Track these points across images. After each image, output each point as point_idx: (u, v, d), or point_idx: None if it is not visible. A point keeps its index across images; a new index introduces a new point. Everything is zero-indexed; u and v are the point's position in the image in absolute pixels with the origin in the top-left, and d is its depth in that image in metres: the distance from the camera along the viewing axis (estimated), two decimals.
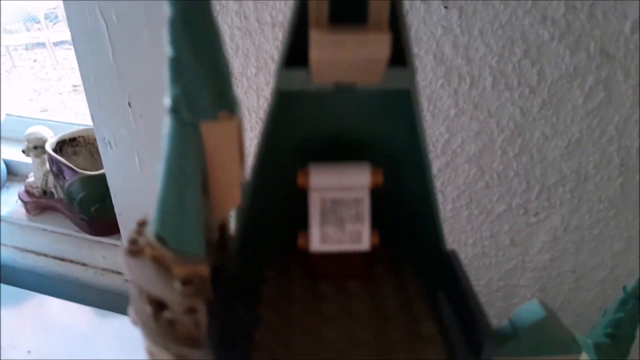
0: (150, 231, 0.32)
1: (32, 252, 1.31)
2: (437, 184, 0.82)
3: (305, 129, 0.36)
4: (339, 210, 0.35)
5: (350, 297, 0.36)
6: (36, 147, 1.11)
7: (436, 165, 0.80)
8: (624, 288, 0.45)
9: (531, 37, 0.69)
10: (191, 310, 0.30)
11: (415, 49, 0.72)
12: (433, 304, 0.36)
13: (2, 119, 1.42)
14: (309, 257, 0.37)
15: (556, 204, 0.80)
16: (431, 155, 0.79)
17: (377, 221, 0.37)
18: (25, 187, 1.21)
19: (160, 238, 0.31)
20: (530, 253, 0.85)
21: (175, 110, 0.26)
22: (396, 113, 0.34)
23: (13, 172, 1.37)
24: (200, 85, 0.26)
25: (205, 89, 0.26)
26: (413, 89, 0.30)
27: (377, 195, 0.36)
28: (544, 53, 0.69)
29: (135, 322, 0.33)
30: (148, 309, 0.32)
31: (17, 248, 1.31)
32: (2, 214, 1.25)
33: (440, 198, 0.83)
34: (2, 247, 1.35)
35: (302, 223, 0.37)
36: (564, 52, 0.69)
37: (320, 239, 0.36)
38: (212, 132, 0.27)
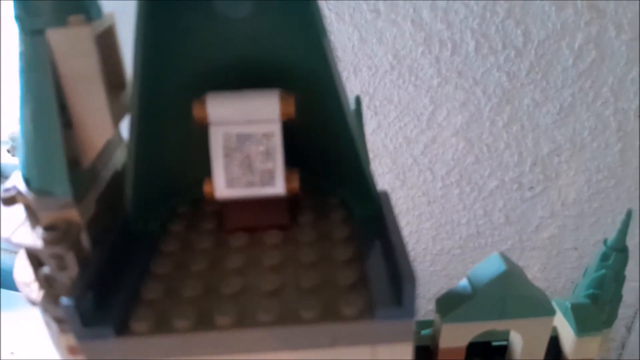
0: (19, 175, 0.28)
1: None
2: (425, 160, 0.77)
3: (199, 56, 0.32)
4: (246, 147, 0.31)
5: (264, 249, 0.32)
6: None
7: (422, 140, 0.76)
8: (605, 241, 0.40)
9: None
10: (58, 260, 0.26)
11: (392, 15, 0.68)
12: (359, 252, 0.31)
13: None
14: (222, 209, 0.33)
15: (552, 176, 0.75)
16: (416, 130, 0.75)
17: (303, 162, 0.33)
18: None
19: (27, 181, 0.27)
20: (527, 231, 0.80)
21: (19, 18, 0.22)
22: (299, 31, 0.30)
23: (6, 175, 1.34)
24: None
25: None
26: None
27: (298, 130, 0.32)
28: (528, 11, 0.65)
29: (18, 284, 0.30)
30: (28, 265, 0.28)
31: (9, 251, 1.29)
32: None
33: (429, 176, 0.78)
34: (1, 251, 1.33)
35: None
36: (550, 8, 0.64)
37: (226, 182, 0.31)
38: (63, 40, 0.23)
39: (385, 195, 0.33)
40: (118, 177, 0.33)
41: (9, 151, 1.12)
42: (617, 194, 0.74)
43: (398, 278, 0.26)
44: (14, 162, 1.22)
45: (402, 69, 0.71)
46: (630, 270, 0.76)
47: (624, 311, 0.83)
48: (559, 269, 0.82)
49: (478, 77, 0.69)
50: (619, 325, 0.85)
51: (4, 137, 1.44)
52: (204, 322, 0.27)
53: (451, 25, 0.67)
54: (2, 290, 1.21)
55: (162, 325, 0.27)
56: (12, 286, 1.29)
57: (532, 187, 0.76)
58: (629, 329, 0.85)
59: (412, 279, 0.26)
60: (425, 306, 0.81)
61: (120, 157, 0.34)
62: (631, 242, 0.71)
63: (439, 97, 0.72)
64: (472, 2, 0.65)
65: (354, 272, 0.30)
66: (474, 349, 0.42)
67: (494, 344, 0.44)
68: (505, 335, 0.42)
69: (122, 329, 0.27)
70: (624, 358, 0.88)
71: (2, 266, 1.36)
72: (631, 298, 0.82)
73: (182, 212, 0.35)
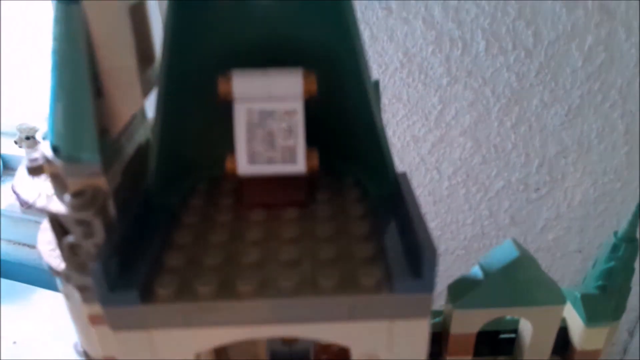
0: (47, 144, 0.28)
1: (28, 245, 1.29)
2: (432, 159, 0.78)
3: (225, 35, 0.32)
4: (269, 124, 0.31)
5: (282, 223, 0.32)
6: (28, 138, 1.09)
7: (430, 139, 0.76)
8: (615, 233, 0.40)
9: None
10: (85, 227, 0.27)
11: (403, 13, 0.69)
12: (375, 228, 0.32)
13: None
14: (242, 186, 0.33)
15: (558, 177, 0.75)
16: (424, 129, 0.76)
17: (320, 142, 0.33)
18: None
19: (55, 149, 0.28)
20: (532, 232, 0.80)
21: None
22: (325, 12, 0.31)
23: (10, 167, 1.35)
24: None
25: None
26: None
27: (317, 110, 0.32)
28: (539, 12, 0.65)
29: (41, 255, 0.30)
30: (52, 233, 0.29)
31: (13, 242, 1.29)
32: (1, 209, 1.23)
33: (435, 175, 0.79)
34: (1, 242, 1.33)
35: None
36: (560, 10, 0.65)
37: (248, 158, 0.32)
38: (97, 10, 0.24)
39: (404, 176, 0.33)
40: (141, 151, 0.33)
41: (16, 142, 1.12)
42: (623, 196, 0.74)
43: (418, 250, 0.27)
44: (17, 154, 1.23)
45: (412, 67, 0.71)
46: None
47: (626, 315, 0.83)
48: (563, 271, 0.82)
49: (487, 77, 0.70)
50: (621, 330, 0.86)
51: (4, 128, 1.44)
52: (226, 290, 0.28)
53: (462, 25, 0.68)
54: (3, 280, 1.21)
55: (185, 292, 0.28)
56: (12, 276, 1.29)
57: (538, 189, 0.76)
58: (631, 333, 0.85)
59: (433, 250, 0.26)
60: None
61: (143, 133, 0.34)
62: None
63: (447, 96, 0.73)
64: (483, 1, 0.66)
65: (371, 246, 0.30)
66: (483, 339, 0.42)
67: (502, 336, 0.44)
68: (514, 324, 0.42)
69: (147, 295, 0.27)
70: None
71: (2, 257, 1.37)
72: (633, 302, 0.82)
73: (202, 188, 0.36)
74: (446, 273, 0.86)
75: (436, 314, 0.44)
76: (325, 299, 0.28)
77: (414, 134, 0.76)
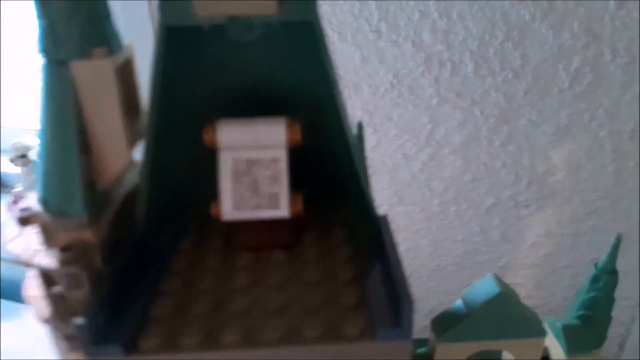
0: (37, 197, 0.29)
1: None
2: (423, 178, 0.78)
3: (210, 82, 0.33)
4: (254, 172, 0.32)
5: (269, 267, 0.33)
6: (23, 156, 1.10)
7: (421, 158, 0.77)
8: (595, 264, 0.41)
9: (512, 18, 0.66)
10: (72, 280, 0.27)
11: (393, 36, 0.70)
12: (360, 271, 0.32)
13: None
14: (230, 228, 0.34)
15: (547, 195, 0.76)
16: (415, 148, 0.76)
17: (307, 185, 0.34)
18: (13, 197, 1.19)
19: (44, 202, 0.28)
20: (523, 249, 0.81)
21: (44, 50, 0.24)
22: (305, 56, 0.32)
23: (7, 185, 1.36)
24: (67, 19, 0.23)
25: (73, 23, 0.23)
26: (315, 20, 0.27)
27: (302, 154, 0.33)
28: (526, 34, 0.66)
29: (27, 301, 0.31)
30: (39, 284, 0.29)
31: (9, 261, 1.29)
32: None
33: (426, 193, 0.79)
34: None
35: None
36: (547, 32, 0.66)
37: (233, 204, 0.32)
38: (85, 72, 0.25)
39: (384, 220, 0.34)
40: (129, 198, 0.34)
41: (12, 161, 1.12)
42: (612, 214, 0.75)
43: (396, 300, 0.28)
44: (14, 171, 1.23)
45: (402, 88, 0.72)
46: (624, 290, 0.77)
47: (617, 329, 0.84)
48: (554, 287, 0.83)
49: (476, 98, 0.71)
50: (612, 344, 0.86)
51: (4, 146, 1.45)
52: (210, 340, 0.29)
53: (451, 47, 0.69)
54: (3, 300, 1.21)
55: (169, 344, 0.28)
56: (11, 297, 1.29)
57: (528, 206, 0.77)
58: (621, 347, 0.86)
59: (409, 302, 0.27)
60: (421, 322, 0.82)
61: (131, 178, 0.35)
62: (623, 261, 0.73)
63: (437, 116, 0.74)
64: (471, 24, 0.67)
65: (355, 292, 0.31)
66: None
67: None
68: (498, 354, 0.43)
69: (131, 348, 0.28)
70: None
71: (2, 277, 1.37)
72: (623, 316, 0.83)
73: (191, 230, 0.37)
74: (439, 289, 0.87)
75: (423, 342, 0.45)
76: (310, 349, 0.28)
77: (405, 153, 0.77)
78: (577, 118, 0.70)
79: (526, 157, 0.74)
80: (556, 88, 0.68)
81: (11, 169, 1.31)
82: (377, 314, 0.29)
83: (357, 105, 0.73)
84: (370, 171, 0.74)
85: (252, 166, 0.32)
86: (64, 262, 0.28)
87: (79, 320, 0.26)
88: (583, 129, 0.70)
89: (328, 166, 0.36)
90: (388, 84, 0.72)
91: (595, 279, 0.40)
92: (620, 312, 0.81)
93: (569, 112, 0.69)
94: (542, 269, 0.82)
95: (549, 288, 0.83)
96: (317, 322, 0.29)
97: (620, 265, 0.74)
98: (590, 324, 0.41)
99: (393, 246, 0.31)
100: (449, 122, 0.73)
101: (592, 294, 0.40)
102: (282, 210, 0.33)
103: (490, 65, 0.69)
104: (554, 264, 0.81)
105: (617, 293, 0.74)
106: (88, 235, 0.29)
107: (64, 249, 0.28)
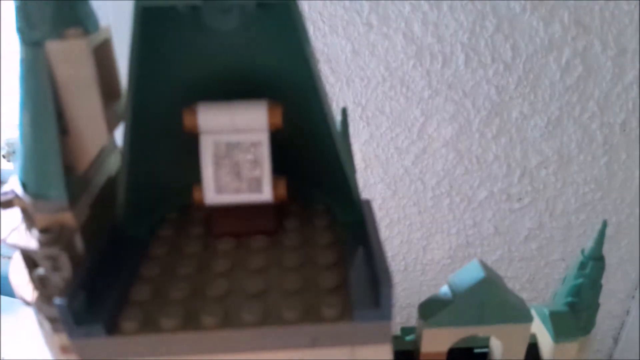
0: (17, 180, 0.29)
1: None
2: (416, 171, 0.78)
3: (190, 66, 0.33)
4: (234, 155, 0.32)
5: (250, 253, 0.33)
6: (15, 152, 1.10)
7: (413, 151, 0.77)
8: (582, 251, 0.41)
9: (502, 10, 0.66)
10: (52, 261, 0.27)
11: (384, 28, 0.70)
12: (341, 256, 0.32)
13: None
14: (211, 215, 0.34)
15: (539, 187, 0.76)
16: (408, 141, 0.76)
17: (290, 172, 0.34)
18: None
19: (23, 185, 0.28)
20: (516, 242, 0.81)
21: (20, 29, 0.24)
22: (283, 42, 0.32)
23: (3, 180, 1.35)
24: None
25: (46, 2, 0.23)
26: (292, 1, 0.27)
27: (284, 139, 0.33)
28: (516, 26, 0.66)
29: (13, 285, 0.31)
30: (23, 267, 0.29)
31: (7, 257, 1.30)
32: None
33: (419, 186, 0.79)
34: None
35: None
36: (538, 24, 0.66)
37: (215, 188, 0.32)
38: (60, 53, 0.25)
39: (367, 203, 0.34)
40: (111, 183, 0.34)
41: (4, 156, 1.13)
42: (604, 205, 0.75)
43: (376, 283, 0.28)
44: (11, 168, 1.23)
45: (393, 81, 0.72)
46: (617, 282, 0.77)
47: (611, 322, 0.84)
48: (547, 280, 0.83)
49: (468, 90, 0.71)
50: (606, 337, 0.86)
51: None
52: (190, 322, 0.29)
53: (442, 39, 0.69)
54: (2, 296, 1.21)
55: (149, 325, 0.28)
56: (10, 292, 1.29)
57: (520, 199, 0.77)
58: (615, 340, 0.86)
59: (388, 282, 0.27)
60: (415, 314, 0.82)
61: (113, 163, 0.35)
62: (617, 254, 0.73)
63: (429, 109, 0.74)
64: (462, 17, 0.67)
65: (335, 276, 0.31)
66: (456, 356, 0.43)
67: (476, 351, 0.45)
68: (486, 341, 0.43)
69: (112, 328, 0.28)
70: None
71: (1, 273, 1.37)
72: (618, 309, 0.83)
73: (171, 218, 0.37)
74: (432, 282, 0.87)
75: (412, 330, 0.45)
76: (288, 329, 0.28)
77: (397, 146, 0.77)
78: (568, 110, 0.70)
79: (518, 149, 0.74)
80: (547, 80, 0.68)
81: (5, 165, 1.31)
82: (357, 296, 0.29)
83: (348, 98, 0.73)
84: (363, 165, 0.74)
85: (232, 150, 0.32)
86: (43, 244, 0.28)
87: (58, 301, 0.26)
88: (574, 121, 0.70)
89: (311, 151, 0.36)
90: (380, 77, 0.72)
91: (582, 266, 0.40)
92: (614, 305, 0.82)
93: (560, 104, 0.69)
94: (534, 262, 0.82)
95: (542, 280, 0.83)
96: (296, 304, 0.29)
97: (614, 257, 0.74)
98: (578, 310, 0.41)
99: (375, 229, 0.31)
100: (441, 114, 0.73)
101: (579, 280, 0.40)
102: (265, 194, 0.33)
103: (481, 57, 0.69)
104: (547, 257, 0.81)
105: (611, 286, 0.74)
106: (68, 218, 0.29)
107: (43, 231, 0.28)
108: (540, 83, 0.69)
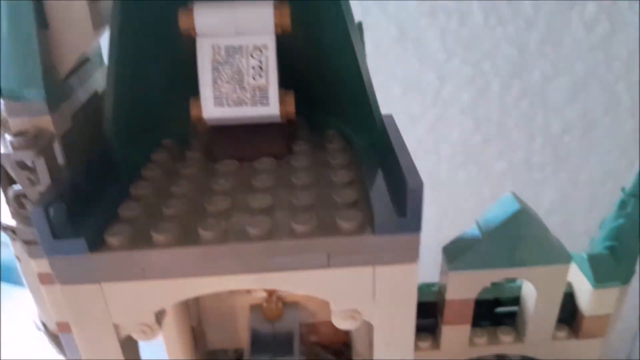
0: None
1: None
2: (430, 140, 0.74)
3: None
4: (236, 61, 0.28)
5: (255, 173, 0.29)
6: None
7: (428, 118, 0.73)
8: (623, 189, 0.37)
9: None
10: (29, 172, 0.24)
11: None
12: (359, 176, 0.29)
13: None
14: (212, 137, 0.30)
15: (562, 156, 0.72)
16: (421, 108, 0.72)
17: (299, 91, 0.30)
18: None
19: (2, 86, 0.25)
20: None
21: None
22: None
23: None
24: None
25: None
26: None
27: (293, 54, 0.29)
28: None
29: None
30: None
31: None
32: None
33: (433, 157, 0.75)
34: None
35: None
36: None
37: (214, 99, 0.29)
38: None
39: (390, 119, 0.30)
40: (97, 99, 0.30)
41: None
42: (631, 175, 0.71)
43: (402, 186, 0.24)
44: None
45: (406, 42, 0.68)
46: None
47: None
48: None
49: (486, 50, 0.67)
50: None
51: None
52: (187, 237, 0.25)
53: None
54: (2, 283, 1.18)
55: (140, 240, 0.25)
56: (10, 279, 1.26)
57: (542, 169, 0.73)
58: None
59: (418, 183, 0.23)
60: None
61: (100, 80, 0.31)
62: None
63: (445, 72, 0.70)
64: None
65: (353, 192, 0.27)
66: (482, 311, 0.39)
67: (502, 310, 0.41)
68: (516, 291, 0.39)
69: (96, 244, 0.24)
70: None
71: (1, 260, 1.34)
72: None
73: (168, 144, 0.33)
74: None
75: (430, 285, 0.41)
76: (299, 243, 0.25)
77: (410, 113, 0.73)
78: (592, 70, 0.65)
79: (539, 115, 0.69)
80: (570, 38, 0.64)
81: None
82: (379, 208, 0.25)
83: None
84: None
85: (233, 54, 0.28)
86: (16, 147, 0.24)
87: (34, 210, 0.22)
88: (600, 81, 0.66)
89: (323, 65, 0.32)
90: (391, 38, 0.68)
91: (622, 205, 0.36)
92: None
93: (584, 64, 0.65)
94: (557, 237, 0.78)
95: None
96: (308, 219, 0.25)
97: None
98: (618, 255, 0.37)
99: (401, 140, 0.27)
100: (457, 78, 0.69)
101: (620, 221, 0.36)
102: (272, 107, 0.29)
103: (500, 14, 0.65)
104: (571, 231, 0.76)
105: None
106: (46, 123, 0.26)
107: (17, 134, 0.25)
108: (563, 41, 0.65)
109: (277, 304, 0.41)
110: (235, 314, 0.44)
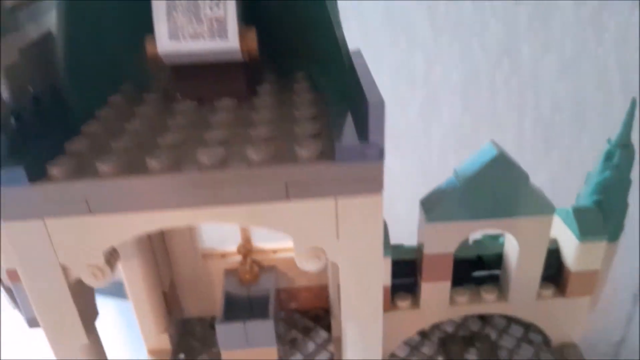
0: None
1: None
2: (419, 124, 0.73)
3: None
4: None
5: (213, 111, 0.28)
6: None
7: (418, 100, 0.71)
8: (608, 140, 0.35)
9: None
10: None
11: None
12: (322, 112, 0.27)
13: None
14: (171, 77, 0.29)
15: (553, 136, 0.70)
16: (409, 88, 0.71)
17: (266, 34, 0.29)
18: None
19: None
20: None
21: None
22: None
23: None
24: None
25: None
26: None
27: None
28: None
29: None
30: None
31: None
32: None
33: (422, 140, 0.74)
34: None
35: None
36: None
37: (169, 32, 0.27)
38: None
39: (358, 54, 0.29)
40: (50, 39, 0.29)
41: None
42: None
43: (365, 108, 0.22)
44: None
45: (394, 22, 0.67)
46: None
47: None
48: None
49: (475, 29, 0.66)
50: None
51: None
52: (133, 167, 0.23)
53: None
54: None
55: (84, 171, 0.23)
56: None
57: (533, 150, 0.71)
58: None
59: (379, 101, 0.22)
60: None
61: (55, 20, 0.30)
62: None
63: (433, 52, 0.68)
64: None
65: (316, 125, 0.26)
66: (463, 273, 0.37)
67: (482, 274, 0.39)
68: (498, 248, 0.37)
69: (37, 174, 0.23)
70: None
71: None
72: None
73: (127, 88, 0.31)
74: None
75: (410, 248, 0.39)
76: (255, 172, 0.23)
77: (399, 96, 0.71)
78: (582, 45, 0.64)
79: (530, 93, 0.68)
80: (559, 12, 0.63)
81: None
82: (340, 136, 0.24)
83: None
84: None
85: None
86: None
87: None
88: (589, 57, 0.64)
89: (291, 9, 0.31)
90: (378, 18, 0.67)
91: (608, 156, 0.35)
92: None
93: (573, 40, 0.64)
94: None
95: None
96: (264, 148, 0.23)
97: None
98: (605, 209, 0.35)
99: (366, 67, 0.26)
100: (446, 57, 0.68)
101: (606, 173, 0.35)
102: (230, 41, 0.28)
103: None
104: None
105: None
106: None
107: None
108: (552, 17, 0.63)
109: (253, 268, 0.40)
110: (211, 281, 0.42)
